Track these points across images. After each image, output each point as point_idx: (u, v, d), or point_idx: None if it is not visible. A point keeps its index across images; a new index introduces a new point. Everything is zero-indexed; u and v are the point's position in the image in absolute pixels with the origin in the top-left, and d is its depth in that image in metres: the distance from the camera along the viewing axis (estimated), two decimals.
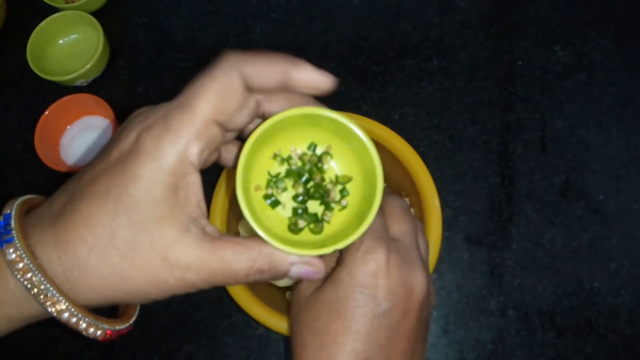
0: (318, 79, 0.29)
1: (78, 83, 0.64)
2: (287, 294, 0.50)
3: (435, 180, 0.48)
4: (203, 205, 0.27)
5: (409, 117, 0.62)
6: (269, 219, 0.31)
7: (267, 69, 0.28)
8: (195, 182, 0.27)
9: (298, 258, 0.28)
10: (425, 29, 0.66)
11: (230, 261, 0.27)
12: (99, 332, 0.27)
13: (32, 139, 0.59)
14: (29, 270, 0.25)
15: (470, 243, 0.57)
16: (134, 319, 0.31)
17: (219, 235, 0.27)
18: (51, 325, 0.57)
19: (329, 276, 0.33)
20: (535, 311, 0.55)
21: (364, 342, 0.30)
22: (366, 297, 0.31)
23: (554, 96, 0.62)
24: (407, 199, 0.51)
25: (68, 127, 0.63)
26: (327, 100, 0.65)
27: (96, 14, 0.66)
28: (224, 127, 0.28)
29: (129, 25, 0.69)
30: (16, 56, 0.67)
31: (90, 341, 0.56)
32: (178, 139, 0.26)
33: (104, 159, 0.27)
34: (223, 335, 0.55)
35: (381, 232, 0.33)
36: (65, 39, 0.67)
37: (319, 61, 0.64)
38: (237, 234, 0.51)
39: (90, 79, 0.65)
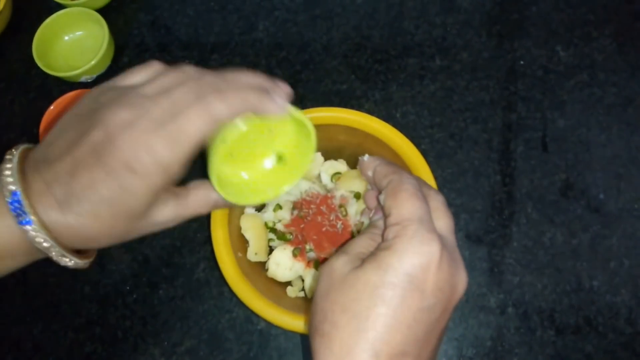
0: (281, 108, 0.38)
1: (83, 79, 0.65)
2: (288, 289, 0.51)
3: (436, 178, 0.48)
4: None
5: (410, 116, 0.62)
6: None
7: (237, 104, 0.34)
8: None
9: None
10: (427, 28, 0.66)
11: (189, 205, 0.36)
12: (70, 262, 0.32)
13: (37, 134, 0.60)
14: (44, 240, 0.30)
15: (470, 241, 0.57)
16: (94, 257, 0.36)
17: (178, 189, 0.36)
18: (53, 319, 0.57)
19: (372, 258, 0.31)
20: (535, 309, 0.55)
21: (403, 334, 0.29)
22: (414, 288, 0.29)
23: (556, 96, 0.62)
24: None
25: None
26: (331, 98, 0.66)
27: (101, 11, 0.67)
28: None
29: (134, 23, 0.69)
30: (22, 52, 0.68)
31: (92, 335, 0.57)
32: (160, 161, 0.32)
33: (76, 145, 0.31)
34: (224, 329, 0.56)
35: (433, 226, 0.32)
36: (71, 35, 0.68)
37: (322, 59, 0.65)
38: (239, 229, 0.51)
39: (95, 75, 0.65)
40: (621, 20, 0.65)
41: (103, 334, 0.56)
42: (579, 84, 0.63)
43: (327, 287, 0.32)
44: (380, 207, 0.35)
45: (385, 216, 0.33)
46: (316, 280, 0.49)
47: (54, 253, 0.31)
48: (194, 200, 0.36)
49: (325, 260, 0.50)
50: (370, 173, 0.37)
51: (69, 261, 0.32)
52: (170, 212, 0.34)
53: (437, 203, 0.34)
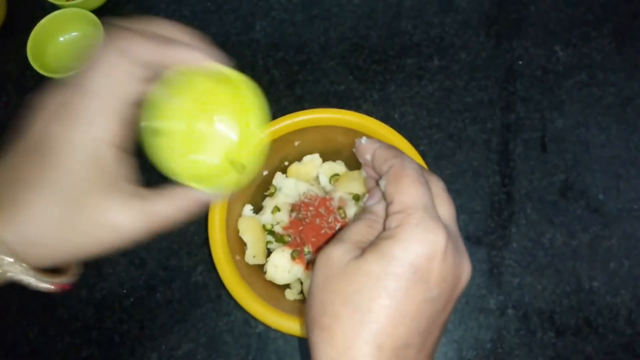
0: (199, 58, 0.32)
1: None
2: (287, 291, 0.50)
3: None
4: (123, 170, 0.30)
5: (409, 116, 0.62)
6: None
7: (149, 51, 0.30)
8: (113, 155, 0.30)
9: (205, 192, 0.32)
10: (425, 28, 0.66)
11: (161, 209, 0.31)
12: (45, 286, 0.31)
13: None
14: None
15: (470, 242, 0.57)
16: (75, 274, 0.34)
17: (147, 192, 0.31)
18: (50, 323, 0.57)
19: (374, 247, 0.30)
20: (535, 310, 0.55)
21: (407, 326, 0.28)
22: (419, 279, 0.28)
23: (554, 96, 0.62)
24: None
25: None
26: (329, 98, 0.66)
27: (97, 11, 0.66)
28: (125, 100, 0.30)
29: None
30: (17, 53, 0.67)
31: (88, 339, 0.57)
32: (90, 126, 0.29)
33: (19, 149, 0.30)
34: (222, 333, 0.55)
35: (437, 213, 0.30)
36: (66, 36, 0.67)
37: (320, 60, 0.65)
38: (237, 232, 0.51)
39: None
40: (620, 20, 0.65)
41: (100, 338, 0.56)
42: (577, 84, 0.63)
43: (325, 277, 0.30)
44: (380, 193, 0.33)
45: (387, 203, 0.31)
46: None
47: (23, 276, 0.29)
48: (163, 203, 0.32)
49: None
50: (368, 156, 0.35)
51: (37, 283, 0.30)
52: (133, 215, 0.30)
53: (439, 189, 0.33)
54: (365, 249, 0.30)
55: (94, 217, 0.29)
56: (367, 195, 0.35)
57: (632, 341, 0.53)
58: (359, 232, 0.32)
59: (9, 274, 0.29)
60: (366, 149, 0.35)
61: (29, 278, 0.30)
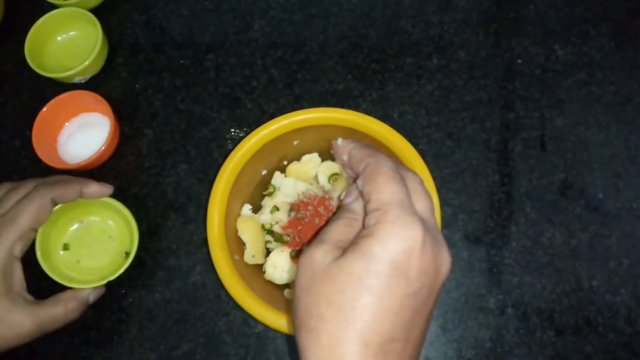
0: (101, 192, 0.53)
1: (76, 80, 0.64)
2: (286, 291, 0.50)
3: (434, 178, 0.47)
4: (24, 283, 0.48)
5: (408, 115, 0.62)
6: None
7: (68, 191, 0.51)
8: (18, 268, 0.47)
9: (91, 290, 0.52)
10: (424, 27, 0.66)
11: (51, 313, 0.47)
12: None
13: (29, 136, 0.59)
14: None
15: (469, 241, 0.57)
16: None
17: (38, 301, 0.48)
18: None
19: (354, 247, 0.30)
20: (534, 310, 0.55)
21: (391, 321, 0.29)
22: (399, 274, 0.29)
23: (554, 95, 0.62)
24: None
25: (66, 124, 0.62)
26: (327, 98, 0.66)
27: (95, 11, 0.66)
28: (36, 229, 0.49)
29: (128, 23, 0.69)
30: (14, 53, 0.67)
31: (87, 339, 0.56)
32: (6, 243, 0.46)
33: None
34: (221, 333, 0.55)
35: (414, 209, 0.31)
36: (64, 35, 0.67)
37: (318, 59, 0.65)
38: (235, 231, 0.51)
39: (88, 76, 0.65)
40: (619, 19, 0.65)
41: (99, 338, 0.56)
42: (577, 83, 0.63)
43: (309, 280, 0.31)
44: (357, 191, 0.34)
45: (365, 202, 0.32)
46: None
47: None
48: (53, 307, 0.47)
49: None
50: (345, 157, 0.36)
51: None
52: (31, 319, 0.44)
53: (415, 185, 0.33)
54: (346, 248, 0.31)
55: (6, 320, 0.42)
56: (343, 193, 0.36)
57: (631, 340, 0.53)
58: (339, 232, 0.33)
59: None
60: (342, 150, 0.36)
61: None
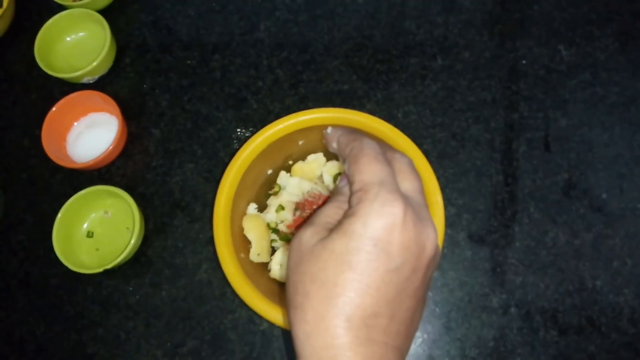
0: None
1: (85, 80, 0.65)
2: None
3: (438, 178, 0.48)
4: None
5: (412, 116, 0.62)
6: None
7: None
8: None
9: None
10: (429, 27, 0.66)
11: None
12: None
13: (39, 135, 0.60)
14: None
15: (472, 241, 0.57)
16: None
17: None
18: (56, 320, 0.57)
19: (338, 226, 0.31)
20: (538, 309, 0.55)
21: (372, 297, 0.29)
22: (380, 250, 0.29)
23: (558, 95, 0.62)
24: None
25: (75, 123, 0.63)
26: (332, 98, 0.66)
27: (103, 12, 0.67)
28: None
29: (136, 24, 0.69)
30: (24, 53, 0.68)
31: (94, 336, 0.57)
32: None
33: None
34: (226, 330, 0.56)
35: (396, 187, 0.31)
36: (73, 36, 0.68)
37: (323, 59, 0.65)
38: (241, 230, 0.51)
39: (96, 76, 0.65)
40: (623, 20, 0.65)
41: (106, 335, 0.56)
42: (581, 84, 0.63)
43: (297, 259, 0.32)
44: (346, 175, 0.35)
45: (350, 183, 0.33)
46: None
47: None
48: None
49: None
50: (335, 144, 0.37)
51: None
52: None
53: (402, 165, 0.34)
54: (332, 229, 0.32)
55: None
56: (339, 178, 0.37)
57: (635, 340, 0.53)
58: (327, 214, 0.34)
59: None
60: (332, 138, 0.37)
61: None
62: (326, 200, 0.51)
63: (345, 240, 0.30)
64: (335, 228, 0.31)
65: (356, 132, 0.36)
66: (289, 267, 0.33)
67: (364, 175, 0.32)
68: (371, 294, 0.29)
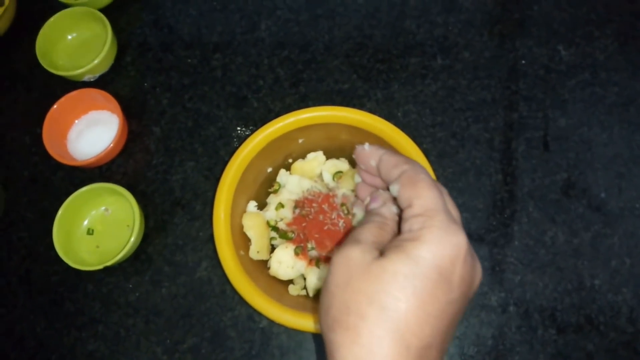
0: None
1: (86, 78, 0.65)
2: (290, 287, 0.51)
3: (438, 177, 0.48)
4: None
5: (412, 115, 0.63)
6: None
7: None
8: None
9: None
10: (429, 27, 0.66)
11: None
12: None
13: (40, 133, 0.60)
14: None
15: (472, 240, 0.57)
16: None
17: None
18: (56, 317, 0.58)
19: (397, 248, 0.30)
20: (536, 308, 0.55)
21: (431, 327, 0.29)
22: (443, 280, 0.29)
23: (557, 95, 0.63)
24: None
25: (76, 121, 0.64)
26: (333, 97, 0.66)
27: (105, 10, 0.67)
28: None
29: (137, 22, 0.70)
30: (25, 51, 0.68)
31: (94, 333, 0.57)
32: None
33: None
34: (226, 328, 0.56)
35: (454, 216, 0.31)
36: (74, 34, 0.68)
37: (324, 58, 0.65)
38: (241, 228, 0.52)
39: (98, 75, 0.66)
40: (623, 20, 0.65)
41: (106, 332, 0.57)
42: (580, 84, 0.63)
43: (347, 277, 0.30)
44: (384, 196, 0.35)
45: (404, 206, 0.32)
46: (321, 279, 0.49)
47: None
48: None
49: (327, 257, 0.50)
50: (373, 163, 0.36)
51: None
52: None
53: (445, 195, 0.34)
54: (383, 250, 0.31)
55: None
56: (367, 199, 0.36)
57: (633, 339, 0.54)
58: (373, 234, 0.32)
59: None
60: (371, 155, 0.36)
61: None
62: (325, 199, 0.51)
63: (411, 264, 0.29)
64: (392, 249, 0.30)
65: (402, 154, 0.35)
66: (333, 283, 0.31)
67: (426, 200, 0.31)
68: (431, 324, 0.29)
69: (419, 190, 0.31)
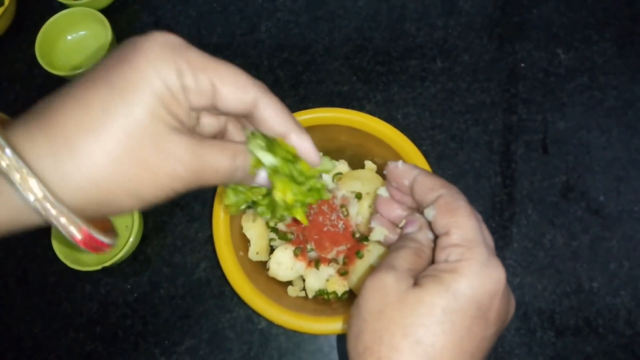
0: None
1: None
2: (289, 288, 0.51)
3: None
4: (192, 114, 0.29)
5: (411, 117, 0.63)
6: None
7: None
8: (181, 99, 0.27)
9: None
10: (429, 30, 0.67)
11: (215, 158, 0.28)
12: (75, 230, 0.25)
13: None
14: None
15: None
16: (115, 240, 0.29)
17: (205, 138, 0.29)
18: (54, 317, 0.57)
19: (435, 279, 0.29)
20: (535, 310, 0.55)
21: None
22: (481, 316, 0.28)
23: (556, 98, 0.63)
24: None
25: None
26: (332, 99, 0.66)
27: (104, 11, 0.67)
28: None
29: (137, 23, 0.70)
30: (25, 51, 0.68)
31: (92, 334, 0.57)
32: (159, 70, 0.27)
33: (88, 77, 0.26)
34: (224, 329, 0.56)
35: (493, 248, 0.30)
36: (74, 35, 0.68)
37: (324, 60, 0.66)
38: (240, 229, 0.52)
39: None
40: (621, 24, 0.66)
41: (103, 332, 0.56)
42: (579, 87, 0.63)
43: (381, 304, 0.29)
44: (421, 221, 0.33)
45: (440, 233, 0.31)
46: (321, 279, 0.49)
47: (55, 214, 0.24)
48: (217, 151, 0.29)
49: (326, 258, 0.50)
50: (406, 182, 0.34)
51: (76, 231, 0.25)
52: (192, 154, 0.27)
53: (481, 222, 0.32)
54: (419, 278, 0.30)
55: (149, 133, 0.25)
56: (403, 221, 0.35)
57: (631, 342, 0.54)
58: (407, 260, 0.31)
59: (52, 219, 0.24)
60: (404, 174, 0.34)
61: (72, 227, 0.25)
62: (325, 200, 0.51)
63: (449, 297, 0.28)
64: (430, 279, 0.29)
65: (438, 176, 0.34)
66: (366, 309, 0.30)
67: (465, 231, 0.30)
68: None
69: (458, 219, 0.30)
